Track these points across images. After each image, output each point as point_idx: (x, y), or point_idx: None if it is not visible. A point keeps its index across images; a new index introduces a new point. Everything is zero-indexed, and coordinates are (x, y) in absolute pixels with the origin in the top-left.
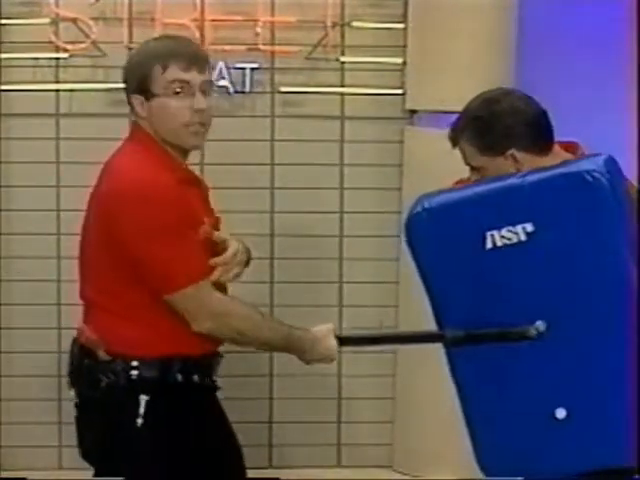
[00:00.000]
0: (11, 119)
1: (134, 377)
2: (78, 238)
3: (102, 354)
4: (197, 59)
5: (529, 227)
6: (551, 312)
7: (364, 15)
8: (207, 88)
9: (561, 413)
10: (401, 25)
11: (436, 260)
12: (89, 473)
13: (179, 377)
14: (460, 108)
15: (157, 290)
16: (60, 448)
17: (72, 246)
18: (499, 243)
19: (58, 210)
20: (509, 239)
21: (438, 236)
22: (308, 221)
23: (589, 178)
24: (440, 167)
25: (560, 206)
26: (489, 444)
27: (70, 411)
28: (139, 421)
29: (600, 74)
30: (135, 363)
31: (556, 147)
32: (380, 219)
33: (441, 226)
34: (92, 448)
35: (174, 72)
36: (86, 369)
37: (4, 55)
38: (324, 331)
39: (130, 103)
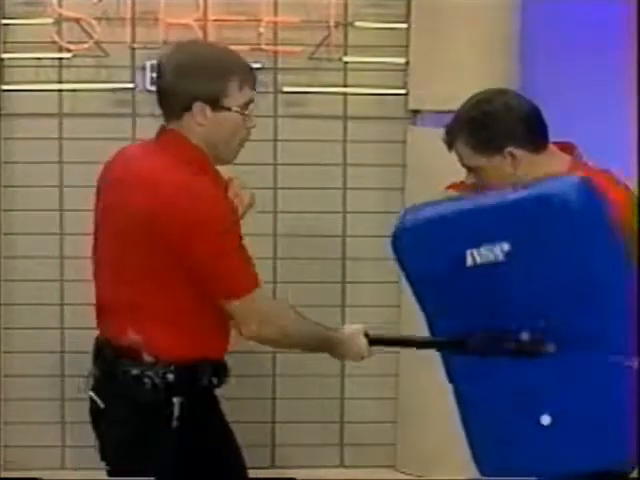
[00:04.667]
0: (14, 119)
1: (170, 380)
2: (81, 238)
3: (147, 357)
4: (255, 77)
5: (506, 246)
6: (537, 326)
7: (367, 15)
8: None
9: (546, 420)
10: (404, 25)
11: (421, 274)
12: (92, 473)
13: (214, 380)
14: None
15: (221, 296)
16: (63, 448)
17: (75, 246)
18: (479, 261)
19: (61, 210)
20: (487, 257)
21: (421, 252)
22: (311, 221)
23: (557, 200)
24: (443, 167)
25: (532, 227)
26: (485, 445)
27: (73, 411)
28: (174, 423)
29: (601, 74)
30: (173, 366)
31: (552, 147)
32: (383, 219)
33: (423, 243)
34: (118, 447)
35: (248, 91)
36: (126, 371)
37: (7, 55)
38: (354, 330)
39: (171, 108)
